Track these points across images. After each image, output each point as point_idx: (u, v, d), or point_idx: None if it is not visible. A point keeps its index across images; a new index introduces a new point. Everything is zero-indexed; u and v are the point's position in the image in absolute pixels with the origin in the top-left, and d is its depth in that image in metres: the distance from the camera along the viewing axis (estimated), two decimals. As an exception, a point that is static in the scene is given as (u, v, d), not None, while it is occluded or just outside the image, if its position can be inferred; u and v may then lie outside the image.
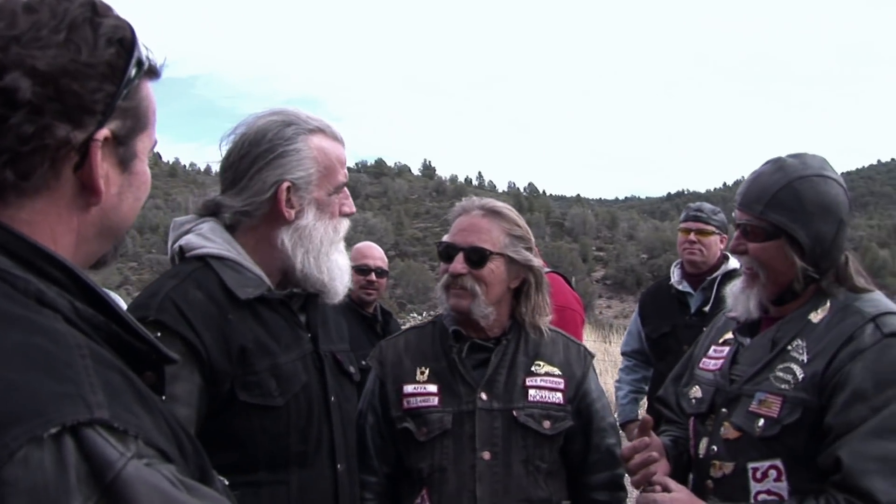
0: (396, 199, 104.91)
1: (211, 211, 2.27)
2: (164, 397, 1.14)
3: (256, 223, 2.23)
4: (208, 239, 2.21)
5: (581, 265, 71.71)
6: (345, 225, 2.34)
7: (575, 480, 2.78)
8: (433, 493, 2.61)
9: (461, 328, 2.72)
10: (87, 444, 0.88)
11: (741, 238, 2.36)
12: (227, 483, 1.25)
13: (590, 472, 2.75)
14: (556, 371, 2.73)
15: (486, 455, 2.59)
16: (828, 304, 2.27)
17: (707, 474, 2.36)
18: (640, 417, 4.25)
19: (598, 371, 4.37)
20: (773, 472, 2.20)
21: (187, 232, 2.25)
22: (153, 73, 1.21)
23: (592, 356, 2.89)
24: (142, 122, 1.19)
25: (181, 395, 1.99)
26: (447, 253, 2.68)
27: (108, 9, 1.13)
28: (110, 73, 1.10)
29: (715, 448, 2.35)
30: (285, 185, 2.18)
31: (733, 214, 2.45)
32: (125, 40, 1.12)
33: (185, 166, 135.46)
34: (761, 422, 2.21)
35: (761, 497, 2.21)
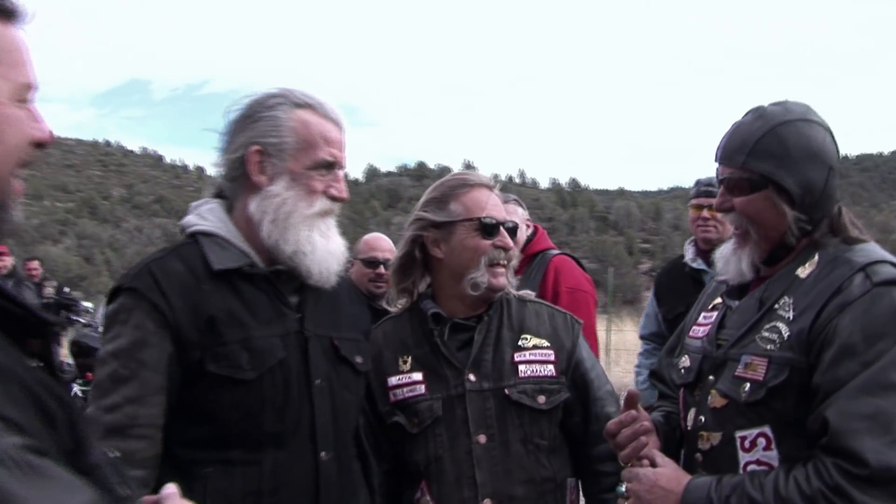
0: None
1: (218, 193, 2.34)
2: (37, 363, 1.09)
3: (239, 194, 2.26)
4: (203, 218, 2.27)
5: (627, 258, 70.93)
6: (324, 204, 2.27)
7: (578, 455, 2.67)
8: (432, 485, 2.52)
9: (441, 309, 2.61)
10: None
11: (725, 194, 2.20)
12: (118, 455, 1.18)
13: (592, 444, 2.63)
14: (545, 343, 2.62)
15: (482, 438, 2.49)
16: (816, 257, 2.12)
17: (695, 447, 2.22)
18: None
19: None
20: (761, 441, 2.05)
21: None
22: (6, 14, 1.15)
23: (580, 323, 2.76)
24: None
25: (150, 362, 2.05)
26: (494, 227, 2.61)
27: None
28: None
29: (702, 418, 2.21)
30: (255, 147, 2.19)
31: (716, 172, 2.32)
32: None
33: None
34: (747, 386, 2.06)
35: (751, 468, 2.06)
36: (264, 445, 2.13)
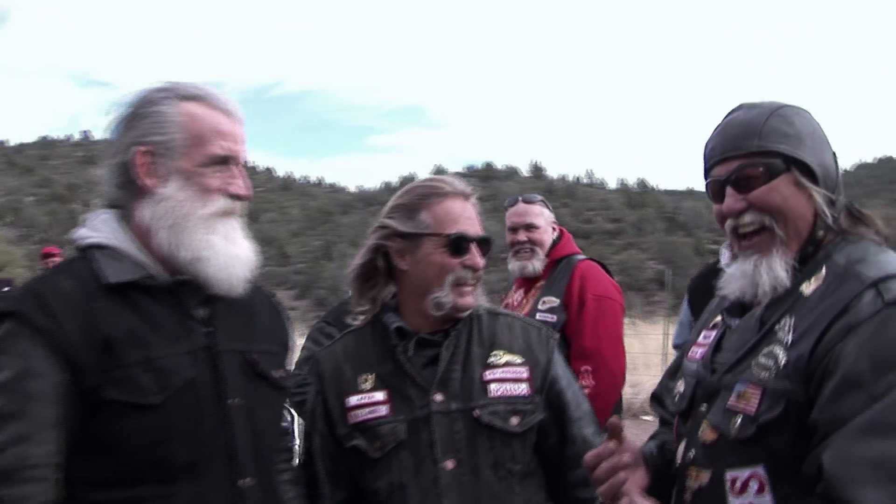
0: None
1: (112, 203, 2.10)
2: None
3: (130, 201, 2.04)
4: (96, 229, 2.05)
5: (695, 259, 69.41)
6: (223, 203, 2.05)
7: (554, 479, 2.43)
8: None
9: (406, 323, 2.38)
10: None
11: (735, 194, 1.89)
12: None
13: (569, 468, 2.39)
14: (518, 359, 2.38)
15: (450, 464, 2.26)
16: (823, 271, 1.82)
17: (685, 484, 1.94)
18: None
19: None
20: (754, 483, 1.75)
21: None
22: None
23: (555, 337, 2.51)
24: None
25: (39, 393, 1.80)
26: (464, 245, 2.36)
27: None
28: None
29: (692, 453, 1.93)
30: (140, 148, 1.99)
31: (712, 177, 2.00)
32: None
33: (297, 179, 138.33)
34: (738, 420, 1.78)
35: None
36: (177, 477, 1.90)
